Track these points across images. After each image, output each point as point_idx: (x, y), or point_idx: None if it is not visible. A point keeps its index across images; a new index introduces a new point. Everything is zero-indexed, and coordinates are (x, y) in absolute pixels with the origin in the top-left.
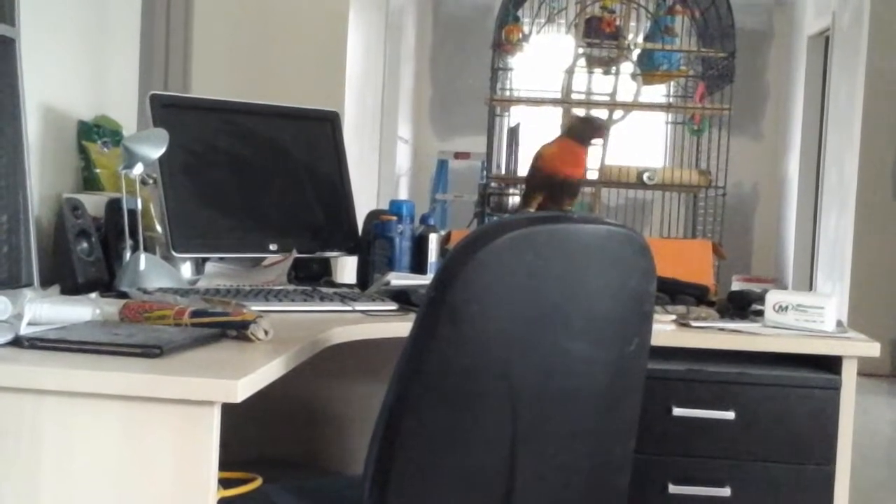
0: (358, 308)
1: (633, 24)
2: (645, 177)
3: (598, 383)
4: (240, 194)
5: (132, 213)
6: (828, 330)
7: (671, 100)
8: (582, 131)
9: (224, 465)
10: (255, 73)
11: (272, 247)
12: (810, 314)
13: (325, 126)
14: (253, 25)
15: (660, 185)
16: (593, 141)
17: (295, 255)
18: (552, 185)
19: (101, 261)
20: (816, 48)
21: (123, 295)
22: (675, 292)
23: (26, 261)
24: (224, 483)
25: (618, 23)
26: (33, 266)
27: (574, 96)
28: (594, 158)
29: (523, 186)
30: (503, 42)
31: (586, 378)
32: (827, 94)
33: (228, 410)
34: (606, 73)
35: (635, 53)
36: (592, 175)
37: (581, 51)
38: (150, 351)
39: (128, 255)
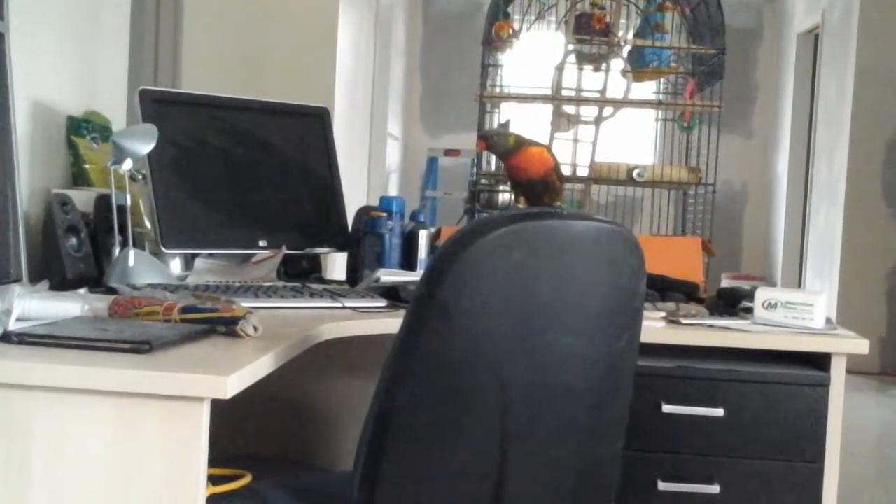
0: (348, 304)
1: (623, 20)
2: (635, 173)
3: (587, 380)
4: (229, 190)
5: (121, 208)
6: (817, 327)
7: (661, 96)
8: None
9: (213, 461)
10: (244, 69)
11: (262, 243)
12: (799, 311)
13: (315, 122)
14: (243, 21)
15: (650, 182)
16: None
17: (284, 251)
18: (524, 187)
19: (90, 256)
20: (806, 45)
21: (112, 291)
22: (665, 289)
23: (15, 256)
24: (213, 479)
25: (608, 19)
26: (22, 261)
27: (564, 93)
28: (569, 152)
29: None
30: (493, 38)
31: (576, 374)
32: (816, 91)
33: (218, 407)
34: (596, 69)
35: (625, 50)
36: (583, 172)
37: (571, 47)
38: (140, 347)
39: (117, 250)
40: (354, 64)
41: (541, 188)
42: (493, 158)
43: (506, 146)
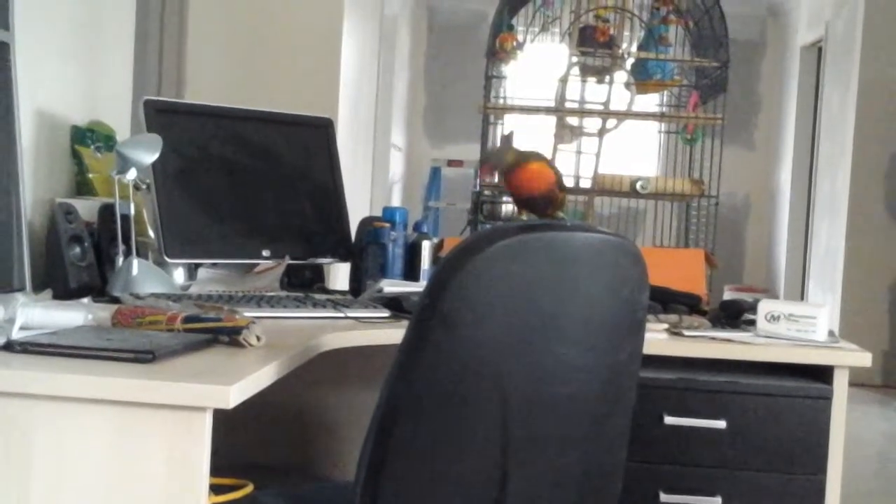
0: (350, 315)
1: (626, 33)
2: (638, 186)
3: (590, 391)
4: (233, 200)
5: (125, 218)
6: (819, 340)
7: (664, 109)
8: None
9: (215, 470)
10: (249, 80)
11: (265, 253)
12: (802, 324)
13: (319, 133)
14: (247, 32)
15: (652, 194)
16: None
17: (288, 261)
18: (526, 202)
19: (93, 266)
20: (809, 58)
21: (116, 300)
22: (668, 301)
23: (18, 265)
24: (215, 489)
25: (612, 32)
26: (25, 270)
27: (567, 105)
28: (572, 163)
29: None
30: (497, 50)
31: (578, 385)
32: (819, 103)
33: (220, 416)
34: (600, 81)
35: (629, 62)
36: (586, 183)
37: (575, 59)
38: (143, 356)
39: (120, 260)
40: (358, 75)
41: (544, 203)
42: None
43: (505, 164)
